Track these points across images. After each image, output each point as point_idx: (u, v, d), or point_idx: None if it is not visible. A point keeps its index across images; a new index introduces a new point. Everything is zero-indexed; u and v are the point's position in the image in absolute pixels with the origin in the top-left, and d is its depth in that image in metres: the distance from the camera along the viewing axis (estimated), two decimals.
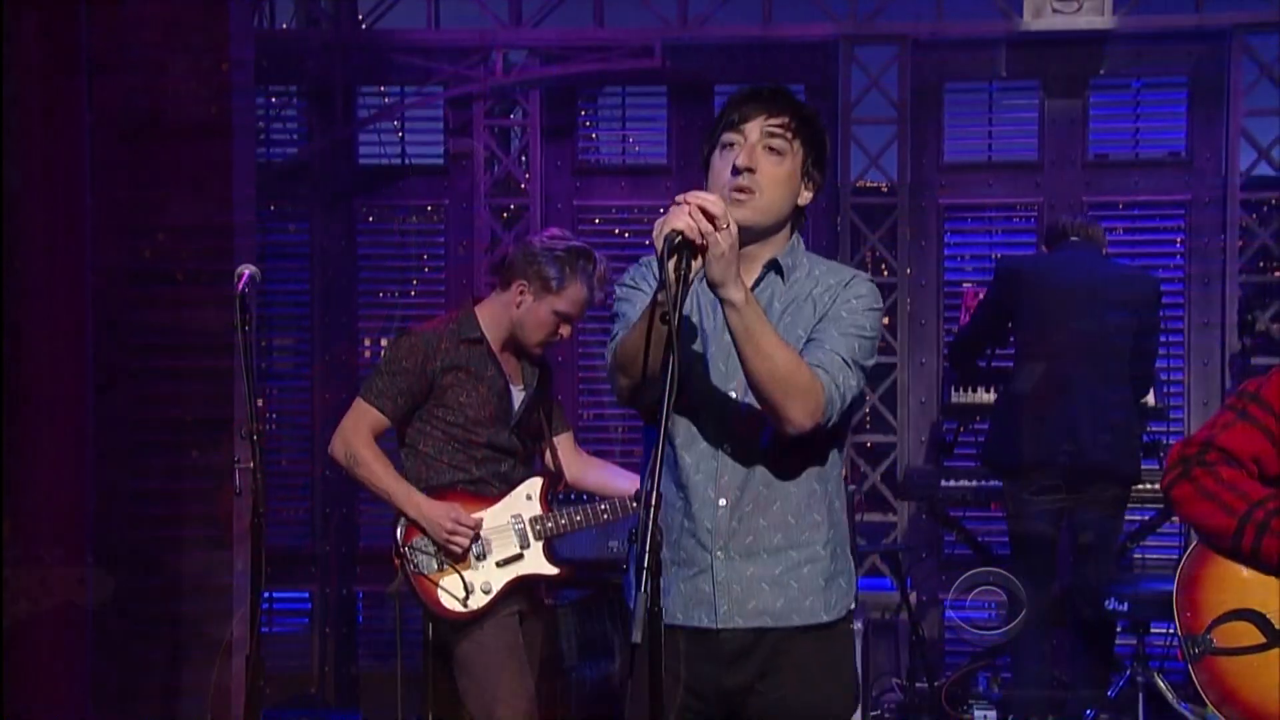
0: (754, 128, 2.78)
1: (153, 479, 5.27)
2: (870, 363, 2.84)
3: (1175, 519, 6.27)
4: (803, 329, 2.82)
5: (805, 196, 2.87)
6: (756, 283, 2.82)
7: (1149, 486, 6.01)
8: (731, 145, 2.80)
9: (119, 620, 5.19)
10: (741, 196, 2.75)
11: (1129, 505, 6.19)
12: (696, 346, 2.83)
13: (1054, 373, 5.60)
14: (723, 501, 2.81)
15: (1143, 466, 6.16)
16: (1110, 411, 5.58)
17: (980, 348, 6.06)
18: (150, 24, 5.26)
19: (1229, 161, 6.74)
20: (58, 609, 4.22)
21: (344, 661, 7.11)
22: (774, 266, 2.86)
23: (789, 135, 2.80)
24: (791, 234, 2.90)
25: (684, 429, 2.81)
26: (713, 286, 2.59)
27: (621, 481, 4.45)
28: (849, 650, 3.01)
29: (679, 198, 2.54)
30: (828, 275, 2.89)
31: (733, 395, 2.80)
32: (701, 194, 2.56)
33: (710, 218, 2.51)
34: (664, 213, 2.56)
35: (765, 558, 2.82)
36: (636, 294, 2.89)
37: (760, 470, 2.81)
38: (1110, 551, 5.75)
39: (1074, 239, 5.80)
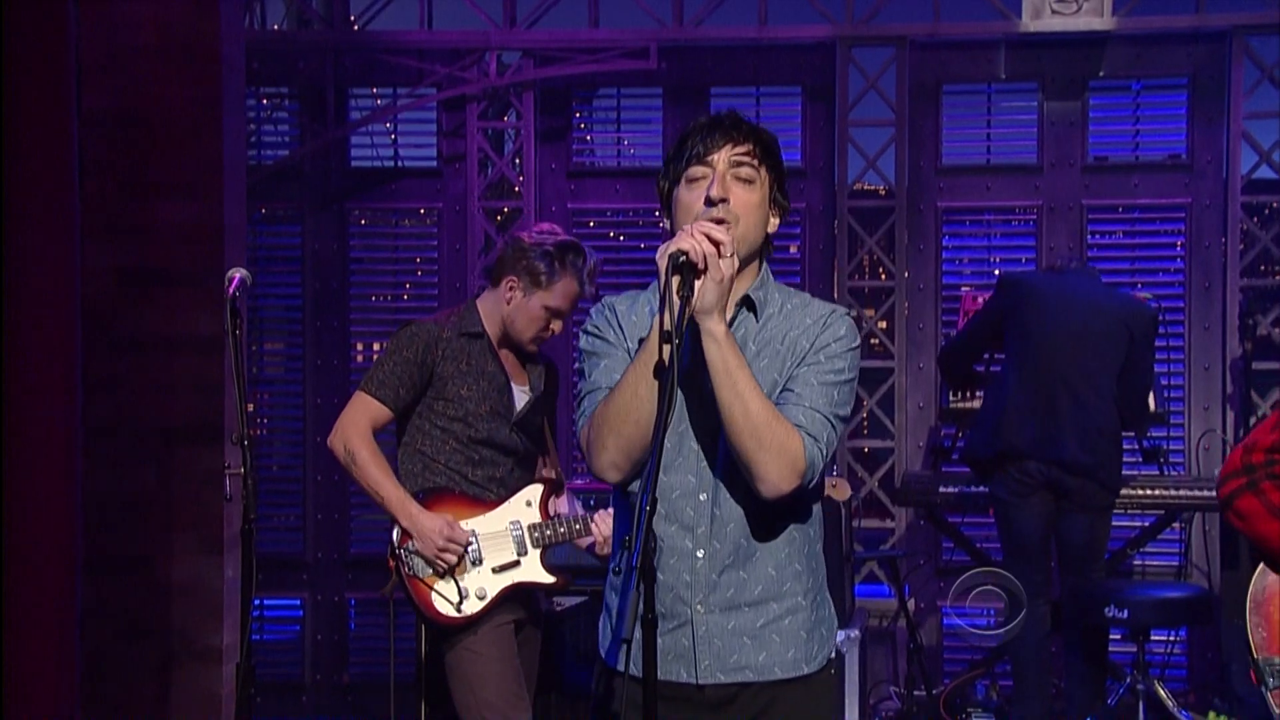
0: (721, 158, 2.73)
1: (143, 484, 5.23)
2: (849, 408, 2.78)
3: (1175, 525, 6.23)
4: (778, 373, 2.75)
5: (773, 224, 2.83)
6: (730, 321, 2.74)
7: (1148, 492, 5.98)
8: (699, 179, 2.74)
9: (109, 626, 5.15)
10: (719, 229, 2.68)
11: (1130, 511, 6.16)
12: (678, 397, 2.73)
13: (1042, 380, 5.57)
14: (700, 554, 2.73)
15: (1141, 472, 6.12)
16: (1093, 420, 5.53)
17: (973, 354, 6.02)
18: (141, 25, 5.23)
19: (1229, 164, 6.71)
20: (47, 615, 4.15)
21: (335, 669, 7.07)
22: (746, 303, 2.80)
23: (756, 162, 2.75)
24: (761, 266, 2.84)
25: (660, 482, 2.63)
26: (699, 316, 2.59)
27: None
28: (831, 699, 2.95)
29: (685, 226, 2.62)
30: (803, 314, 2.81)
31: (709, 444, 2.73)
32: (708, 224, 2.61)
33: (715, 243, 2.57)
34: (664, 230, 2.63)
35: (746, 610, 2.75)
36: (602, 343, 2.83)
37: (739, 521, 2.73)
38: (1099, 556, 5.71)
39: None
